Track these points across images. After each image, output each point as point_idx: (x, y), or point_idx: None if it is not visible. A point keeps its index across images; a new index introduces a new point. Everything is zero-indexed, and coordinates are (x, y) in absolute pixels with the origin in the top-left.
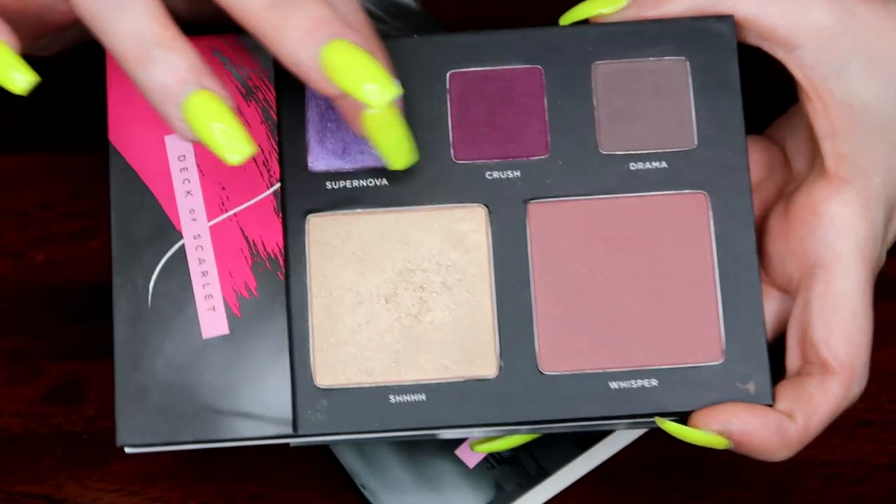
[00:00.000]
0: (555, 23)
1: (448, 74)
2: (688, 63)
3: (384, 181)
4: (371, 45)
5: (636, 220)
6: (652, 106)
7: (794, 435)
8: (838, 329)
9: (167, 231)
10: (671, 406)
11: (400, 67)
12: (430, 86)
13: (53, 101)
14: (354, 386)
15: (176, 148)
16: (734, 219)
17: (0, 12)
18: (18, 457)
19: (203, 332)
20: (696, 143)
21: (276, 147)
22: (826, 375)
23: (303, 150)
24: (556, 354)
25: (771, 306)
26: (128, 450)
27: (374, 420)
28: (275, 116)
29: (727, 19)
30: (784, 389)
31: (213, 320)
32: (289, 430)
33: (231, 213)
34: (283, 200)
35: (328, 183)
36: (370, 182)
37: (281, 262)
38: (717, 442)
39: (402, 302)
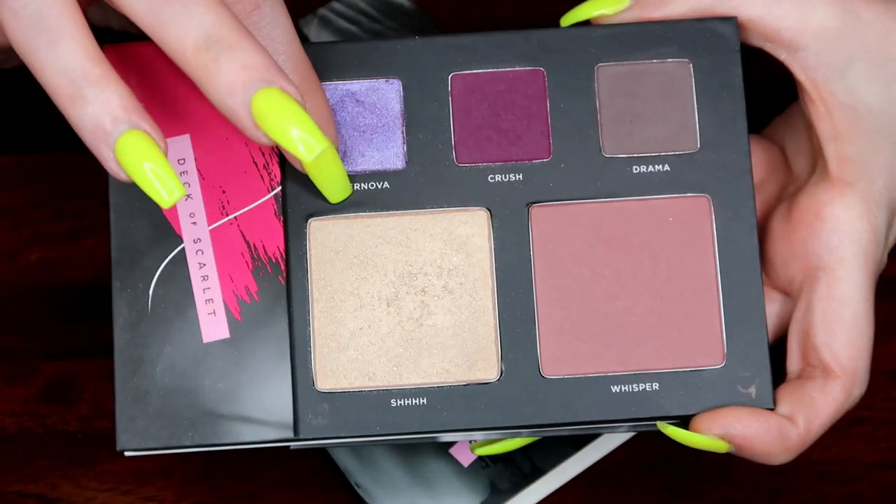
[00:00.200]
0: (554, 22)
1: (450, 76)
2: (691, 65)
3: (386, 185)
4: (308, 87)
5: (639, 224)
6: (655, 108)
7: (796, 439)
8: (840, 333)
9: (167, 235)
10: (673, 410)
11: (402, 68)
12: (431, 88)
13: (46, 101)
14: (356, 390)
15: (175, 151)
16: (737, 222)
17: None
18: (13, 456)
19: (204, 336)
20: (699, 145)
21: (276, 152)
22: (827, 379)
23: None
24: (557, 358)
25: (772, 308)
26: (128, 453)
27: (375, 424)
28: None
29: (731, 21)
30: (785, 393)
31: (213, 324)
32: (290, 435)
33: (231, 216)
34: (284, 204)
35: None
36: (371, 186)
37: (282, 266)
38: (719, 446)
39: (403, 306)
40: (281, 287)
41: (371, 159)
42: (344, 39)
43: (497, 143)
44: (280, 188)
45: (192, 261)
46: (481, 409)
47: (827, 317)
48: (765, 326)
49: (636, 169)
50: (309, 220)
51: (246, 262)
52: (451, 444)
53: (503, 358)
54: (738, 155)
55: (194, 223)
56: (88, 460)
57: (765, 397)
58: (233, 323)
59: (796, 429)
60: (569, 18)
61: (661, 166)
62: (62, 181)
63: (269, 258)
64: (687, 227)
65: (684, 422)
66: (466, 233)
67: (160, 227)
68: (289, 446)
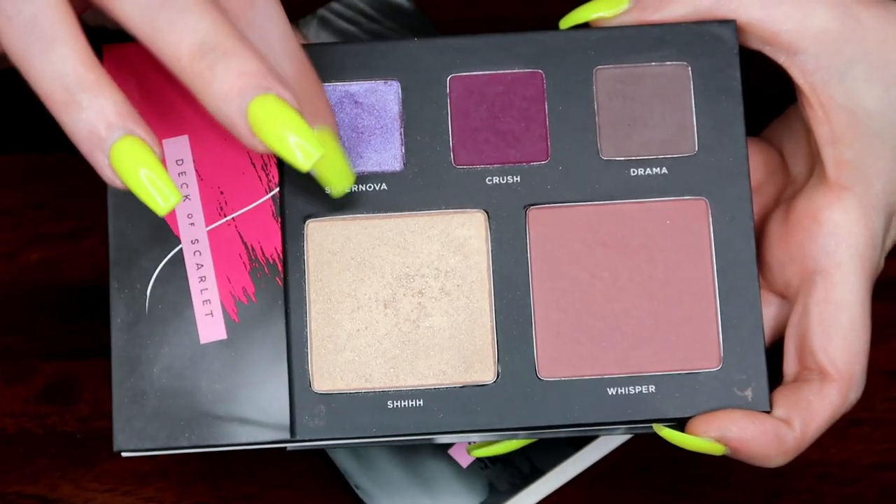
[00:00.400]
0: (552, 24)
1: (449, 78)
2: (689, 68)
3: (384, 186)
4: (306, 82)
5: (636, 226)
6: (653, 111)
7: (792, 442)
8: (837, 337)
9: (165, 236)
10: (669, 412)
11: (400, 70)
12: (430, 89)
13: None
14: (352, 391)
15: (174, 152)
16: (734, 226)
17: None
18: (12, 457)
19: (201, 337)
20: (696, 148)
21: None
22: (824, 382)
23: None
24: (554, 360)
25: (769, 311)
26: (125, 454)
27: (371, 426)
28: None
29: (729, 24)
30: (781, 396)
31: (210, 326)
32: (286, 436)
33: (229, 217)
34: (282, 205)
35: (327, 188)
36: (369, 187)
37: (279, 268)
38: (714, 448)
39: (400, 308)
40: (278, 288)
41: (369, 161)
42: (343, 40)
43: (495, 146)
44: (278, 189)
45: (190, 262)
46: (478, 410)
47: (824, 320)
48: (761, 329)
49: (634, 172)
50: (307, 222)
51: (243, 263)
52: (450, 445)
53: (500, 360)
54: (736, 158)
55: (192, 224)
56: (88, 461)
57: (761, 400)
58: (230, 324)
59: (792, 432)
60: (568, 21)
61: (658, 169)
62: (62, 181)
63: (267, 259)
64: (684, 229)
65: (681, 424)
66: (464, 235)
67: (158, 228)
68: (286, 447)
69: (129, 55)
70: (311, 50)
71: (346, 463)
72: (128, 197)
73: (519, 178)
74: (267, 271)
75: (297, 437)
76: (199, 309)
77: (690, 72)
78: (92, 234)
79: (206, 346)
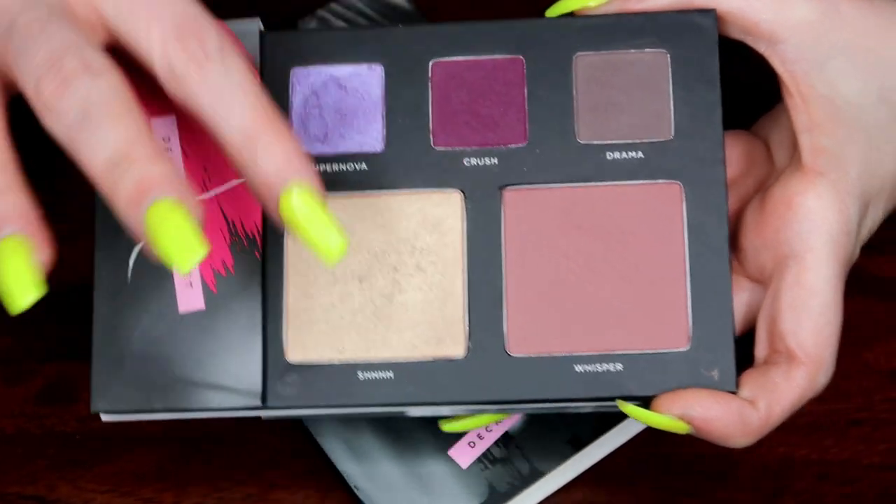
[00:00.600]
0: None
1: (431, 63)
2: (668, 56)
3: (363, 166)
4: (268, 129)
5: (610, 209)
6: (631, 97)
7: (756, 423)
8: (807, 320)
9: None
10: (635, 390)
11: (385, 55)
12: (412, 74)
13: None
14: (324, 362)
15: (160, 130)
16: (707, 209)
17: None
18: (11, 457)
19: (180, 306)
20: (673, 134)
21: None
22: (792, 365)
23: None
24: (523, 337)
25: (743, 298)
26: (104, 417)
27: (342, 396)
28: None
29: (710, 13)
30: (749, 378)
31: (189, 296)
32: (258, 403)
33: (212, 193)
34: None
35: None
36: (349, 166)
37: (258, 242)
38: (678, 426)
39: (375, 283)
40: (256, 262)
41: (351, 141)
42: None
43: (474, 129)
44: None
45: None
46: (447, 384)
47: (794, 304)
48: (731, 312)
49: (610, 155)
50: None
51: (224, 236)
52: (449, 445)
53: (470, 336)
54: (712, 144)
55: None
56: (87, 461)
57: (728, 381)
58: (208, 295)
59: (757, 412)
60: (554, 10)
61: (634, 153)
62: (62, 181)
63: (247, 234)
64: (658, 212)
65: (648, 404)
66: (440, 214)
67: None
68: (260, 416)
69: None
70: (298, 35)
71: (345, 464)
72: None
73: (496, 161)
74: (246, 245)
75: (269, 405)
76: (178, 279)
77: (669, 59)
78: (91, 236)
79: (184, 315)
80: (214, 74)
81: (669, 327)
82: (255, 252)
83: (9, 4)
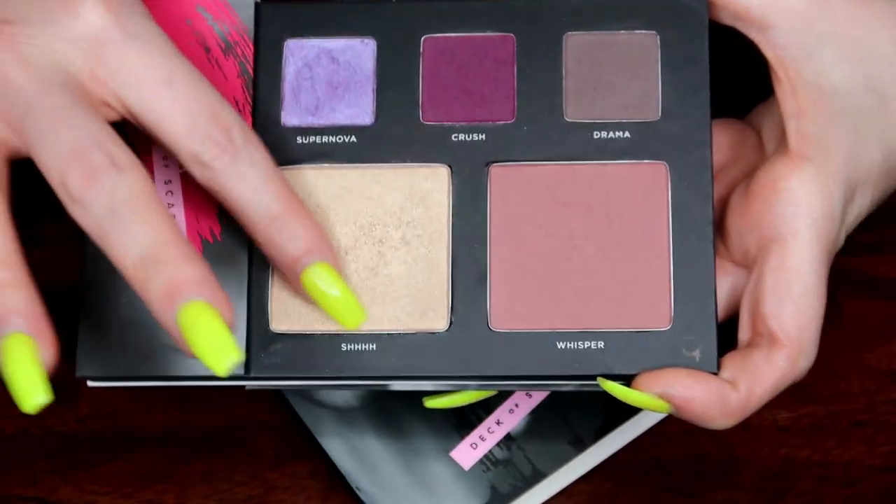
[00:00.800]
0: None
1: (423, 39)
2: (658, 37)
3: (353, 139)
4: (291, 213)
5: (596, 187)
6: (620, 77)
7: (736, 404)
8: (789, 304)
9: None
10: (616, 368)
11: (377, 30)
12: (404, 49)
13: None
14: (308, 332)
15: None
16: (692, 190)
17: None
18: (12, 458)
19: None
20: (660, 115)
21: (250, 101)
22: (773, 348)
23: (277, 105)
24: (506, 312)
25: (727, 281)
26: (90, 383)
27: (324, 367)
28: (251, 71)
29: None
30: (731, 359)
31: None
32: (241, 372)
33: None
34: None
35: (298, 138)
36: (339, 139)
37: None
38: (658, 406)
39: (360, 254)
40: (243, 231)
41: (342, 114)
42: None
43: (463, 104)
44: None
45: (163, 200)
46: (429, 357)
47: (777, 287)
48: (713, 293)
49: (597, 134)
50: None
51: (212, 204)
52: (451, 446)
53: (453, 309)
54: (699, 126)
55: (167, 166)
56: (88, 462)
57: (709, 361)
58: None
59: (737, 394)
60: None
61: (621, 133)
62: None
63: None
64: (643, 192)
65: (629, 382)
66: (427, 188)
67: None
68: (244, 386)
69: None
70: (293, 8)
71: (347, 465)
72: None
73: (484, 136)
74: None
75: (252, 374)
76: None
77: (659, 41)
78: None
79: None
80: (242, 166)
81: (651, 307)
82: None
83: (24, 85)
